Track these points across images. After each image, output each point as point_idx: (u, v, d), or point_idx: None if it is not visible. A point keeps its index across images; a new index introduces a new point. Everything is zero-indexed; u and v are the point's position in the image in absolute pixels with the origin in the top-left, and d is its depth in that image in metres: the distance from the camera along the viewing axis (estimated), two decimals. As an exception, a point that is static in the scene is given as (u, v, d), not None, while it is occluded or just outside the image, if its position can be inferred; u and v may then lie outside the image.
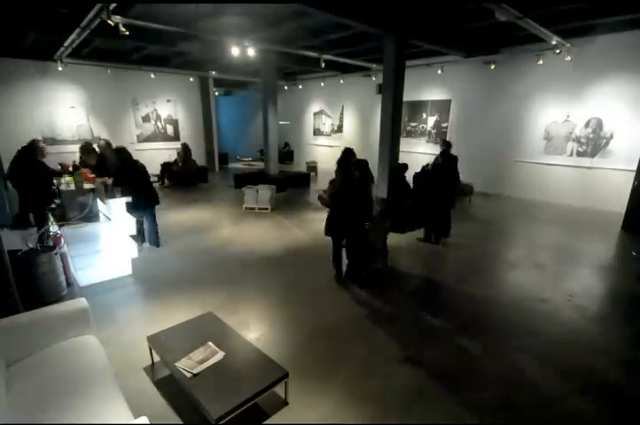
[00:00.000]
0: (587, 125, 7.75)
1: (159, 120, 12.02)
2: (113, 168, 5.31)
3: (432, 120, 10.67)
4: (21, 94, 9.24)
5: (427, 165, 5.94)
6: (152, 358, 2.77)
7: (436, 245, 5.61)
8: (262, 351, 2.54)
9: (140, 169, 4.87)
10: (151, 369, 2.76)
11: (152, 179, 5.70)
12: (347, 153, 4.06)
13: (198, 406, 2.10)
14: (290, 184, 9.90)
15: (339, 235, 4.24)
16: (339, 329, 3.36)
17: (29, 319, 2.38)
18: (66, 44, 7.00)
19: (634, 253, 5.08)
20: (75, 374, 2.12)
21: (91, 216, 4.24)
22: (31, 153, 4.99)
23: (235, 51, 6.94)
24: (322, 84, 12.87)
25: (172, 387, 2.48)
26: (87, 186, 5.01)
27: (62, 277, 3.86)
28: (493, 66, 8.63)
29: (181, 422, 2.28)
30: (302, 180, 10.52)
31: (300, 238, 5.94)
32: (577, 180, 8.07)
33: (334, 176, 4.13)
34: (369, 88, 11.63)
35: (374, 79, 11.32)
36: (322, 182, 11.30)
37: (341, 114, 13.31)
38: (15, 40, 7.91)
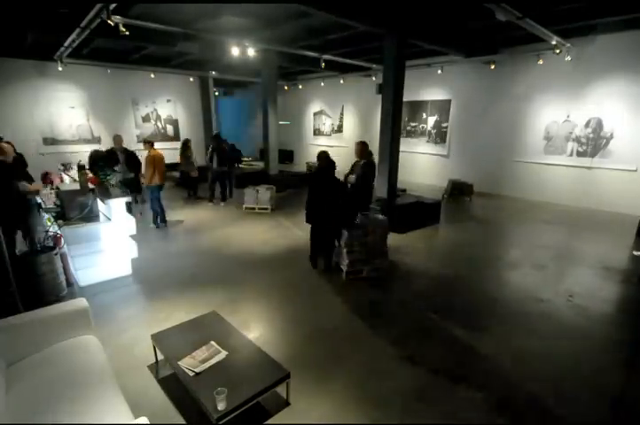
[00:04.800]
0: (587, 125, 7.75)
1: (159, 120, 12.03)
2: None
3: (432, 120, 10.67)
4: (21, 94, 9.25)
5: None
6: (156, 356, 2.77)
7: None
8: (264, 351, 2.54)
9: None
10: (154, 367, 2.77)
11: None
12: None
13: (199, 405, 2.10)
14: (290, 184, 9.90)
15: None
16: (340, 329, 3.36)
17: (29, 319, 2.38)
18: (66, 44, 6.99)
19: (635, 253, 5.08)
20: (75, 374, 2.11)
21: (91, 216, 4.23)
22: None
23: (235, 51, 6.94)
24: (322, 84, 12.88)
25: (175, 385, 2.49)
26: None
27: (62, 277, 3.86)
28: (493, 66, 8.64)
29: (183, 422, 2.28)
30: (302, 180, 10.50)
31: (300, 238, 5.93)
32: (577, 180, 8.07)
33: None
34: (369, 88, 11.63)
35: (374, 79, 11.33)
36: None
37: (341, 114, 13.32)
38: (15, 40, 7.91)
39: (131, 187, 6.31)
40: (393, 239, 5.38)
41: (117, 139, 7.14)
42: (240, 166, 8.45)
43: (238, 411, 2.06)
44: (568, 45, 6.93)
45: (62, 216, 4.13)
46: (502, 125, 9.12)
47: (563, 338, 3.25)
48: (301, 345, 3.11)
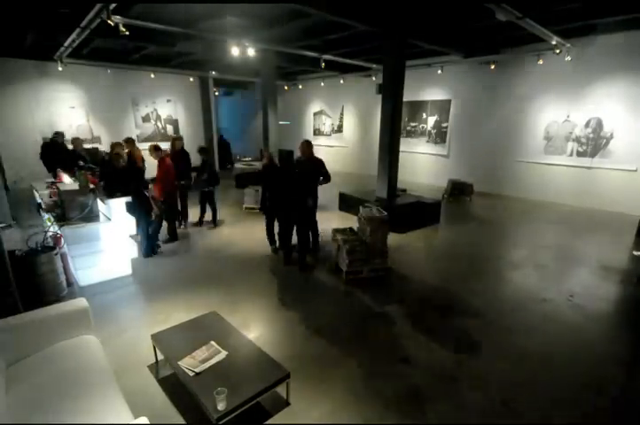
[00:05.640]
0: (587, 125, 7.75)
1: (159, 120, 12.02)
2: None
3: (432, 120, 10.67)
4: (21, 94, 9.24)
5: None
6: (156, 356, 2.78)
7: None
8: (264, 351, 2.54)
9: None
10: (154, 367, 2.77)
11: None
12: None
13: (199, 405, 2.10)
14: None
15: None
16: (340, 329, 3.36)
17: (29, 319, 2.38)
18: (66, 44, 6.99)
19: (635, 253, 5.08)
20: (75, 374, 2.11)
21: (91, 216, 4.23)
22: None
23: (235, 51, 6.94)
24: (322, 84, 12.88)
25: (175, 385, 2.49)
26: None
27: (62, 277, 3.86)
28: (493, 66, 8.64)
29: (183, 422, 2.28)
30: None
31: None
32: (577, 180, 8.07)
33: None
34: (369, 88, 11.63)
35: (374, 79, 11.33)
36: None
37: (341, 114, 13.32)
38: (15, 40, 7.91)
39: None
40: (393, 239, 5.38)
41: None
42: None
43: (238, 411, 2.06)
44: (568, 45, 6.93)
45: (62, 216, 4.13)
46: (502, 125, 9.12)
47: (563, 338, 3.25)
48: (301, 345, 3.11)
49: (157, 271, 4.63)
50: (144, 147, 11.54)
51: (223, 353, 2.44)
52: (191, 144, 12.94)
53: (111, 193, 5.00)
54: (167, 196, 5.43)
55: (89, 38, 6.77)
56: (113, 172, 5.06)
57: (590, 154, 7.78)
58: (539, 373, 2.79)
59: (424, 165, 11.08)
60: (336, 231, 4.77)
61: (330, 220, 6.75)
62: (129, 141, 6.43)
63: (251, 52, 7.11)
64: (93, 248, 4.23)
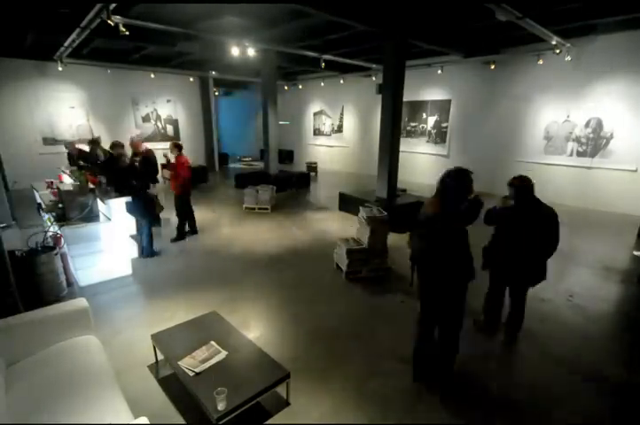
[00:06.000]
0: (587, 125, 7.75)
1: (159, 120, 12.02)
2: None
3: (432, 120, 10.67)
4: (21, 94, 9.24)
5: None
6: (156, 356, 2.78)
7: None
8: (264, 351, 2.54)
9: None
10: (154, 367, 2.77)
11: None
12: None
13: (199, 405, 2.10)
14: (290, 184, 9.90)
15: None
16: (340, 329, 3.36)
17: (29, 319, 2.38)
18: (66, 44, 7.00)
19: (635, 253, 5.08)
20: (75, 374, 2.11)
21: (91, 216, 4.23)
22: None
23: (235, 51, 6.95)
24: (322, 84, 12.88)
25: (175, 385, 2.49)
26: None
27: (62, 277, 3.86)
28: (493, 66, 8.63)
29: (183, 422, 2.28)
30: (302, 180, 10.52)
31: (299, 238, 5.93)
32: (577, 180, 8.07)
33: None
34: (369, 88, 11.63)
35: (374, 79, 11.33)
36: (321, 183, 11.30)
37: (341, 114, 13.31)
38: (15, 40, 7.91)
39: None
40: (393, 239, 5.37)
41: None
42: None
43: (238, 411, 2.07)
44: (568, 45, 6.93)
45: (62, 216, 4.13)
46: (502, 125, 9.12)
47: (563, 338, 3.25)
48: (301, 345, 3.11)
49: (157, 271, 4.63)
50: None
51: (223, 353, 2.44)
52: (191, 144, 12.99)
53: (116, 190, 5.03)
54: (183, 192, 5.60)
55: (89, 38, 6.77)
56: (116, 170, 5.09)
57: (590, 154, 7.78)
58: (539, 372, 2.79)
59: (424, 165, 11.07)
60: (340, 240, 4.72)
61: (330, 220, 6.76)
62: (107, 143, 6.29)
63: (251, 52, 7.12)
64: (93, 248, 4.23)
